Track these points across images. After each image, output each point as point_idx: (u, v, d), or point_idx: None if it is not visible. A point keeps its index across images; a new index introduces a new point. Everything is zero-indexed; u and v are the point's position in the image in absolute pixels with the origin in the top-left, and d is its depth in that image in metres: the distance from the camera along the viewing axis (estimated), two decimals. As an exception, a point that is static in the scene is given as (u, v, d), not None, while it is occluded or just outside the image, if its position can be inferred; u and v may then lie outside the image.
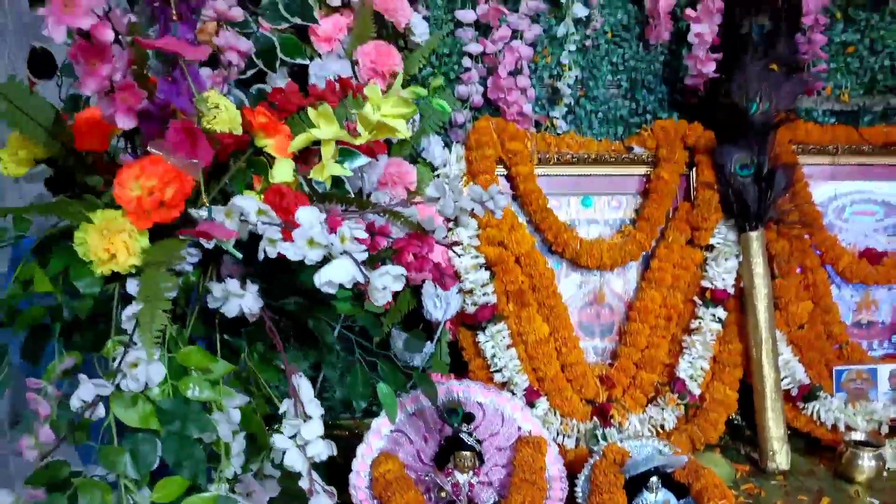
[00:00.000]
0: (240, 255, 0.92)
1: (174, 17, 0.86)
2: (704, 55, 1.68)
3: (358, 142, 1.06)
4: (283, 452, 0.96)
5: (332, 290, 0.87)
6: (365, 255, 0.89)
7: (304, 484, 0.97)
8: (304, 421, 0.94)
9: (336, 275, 0.86)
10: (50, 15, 0.75)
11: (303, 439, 0.96)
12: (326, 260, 0.89)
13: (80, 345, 1.00)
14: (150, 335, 0.88)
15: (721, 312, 1.71)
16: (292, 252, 0.88)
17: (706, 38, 1.66)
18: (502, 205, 1.19)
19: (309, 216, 0.91)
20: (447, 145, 1.67)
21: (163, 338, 0.96)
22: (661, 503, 1.34)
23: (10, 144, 1.04)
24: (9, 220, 1.11)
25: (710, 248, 1.73)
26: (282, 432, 0.97)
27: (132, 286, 1.00)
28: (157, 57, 0.93)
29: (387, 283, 0.87)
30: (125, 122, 0.92)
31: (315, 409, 0.99)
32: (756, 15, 1.71)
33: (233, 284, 1.01)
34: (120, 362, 0.94)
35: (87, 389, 0.93)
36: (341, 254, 0.88)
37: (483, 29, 1.68)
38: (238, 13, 1.25)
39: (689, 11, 1.68)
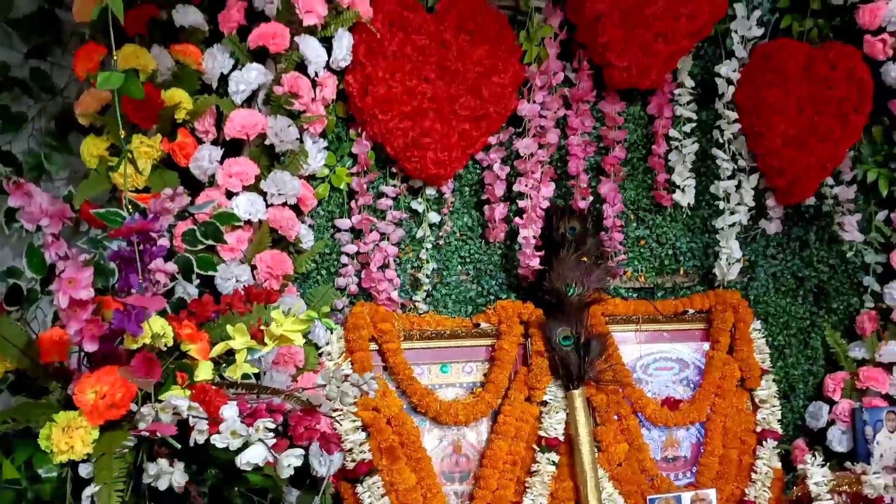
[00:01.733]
0: (178, 446, 1.23)
1: (140, 280, 1.20)
2: (531, 252, 2.15)
3: (265, 350, 1.41)
4: None
5: (249, 469, 1.20)
6: (273, 441, 1.22)
7: None
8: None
9: (253, 457, 1.19)
10: (59, 290, 1.08)
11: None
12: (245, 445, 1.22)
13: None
14: (110, 494, 1.17)
15: (555, 457, 2.11)
16: (220, 441, 1.20)
17: (531, 241, 2.14)
18: (374, 387, 1.56)
19: (231, 413, 1.24)
20: (330, 329, 2.03)
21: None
22: None
23: (-14, 361, 1.32)
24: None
25: (545, 403, 2.15)
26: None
27: (84, 470, 1.29)
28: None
29: (290, 461, 1.20)
30: (90, 347, 1.24)
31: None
32: (569, 220, 2.22)
33: (164, 463, 1.31)
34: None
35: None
36: (257, 441, 1.21)
37: (357, 233, 2.09)
38: (165, 243, 1.59)
39: (517, 219, 2.16)
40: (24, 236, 1.65)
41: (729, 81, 2.34)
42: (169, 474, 1.31)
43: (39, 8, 1.94)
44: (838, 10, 2.39)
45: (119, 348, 1.32)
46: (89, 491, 1.22)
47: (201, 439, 1.26)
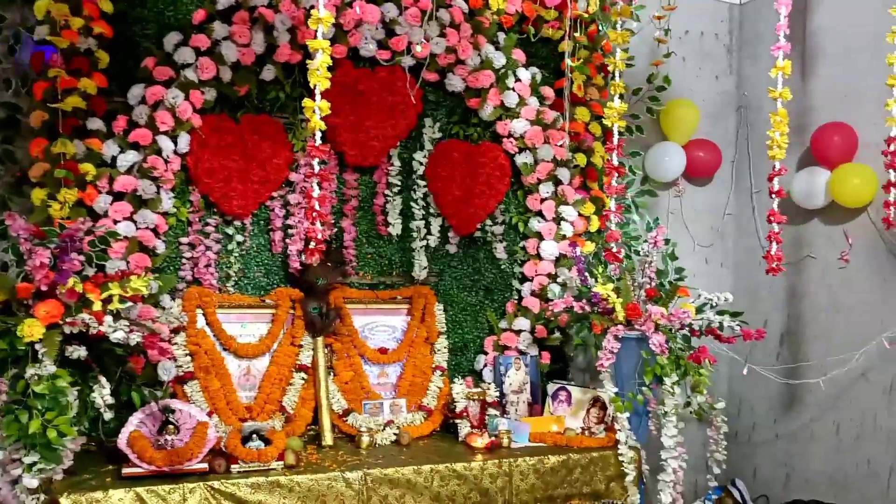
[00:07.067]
0: (88, 331, 2.75)
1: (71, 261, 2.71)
2: (296, 259, 3.74)
3: (128, 296, 2.93)
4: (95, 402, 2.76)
5: (117, 341, 2.73)
6: (129, 330, 2.76)
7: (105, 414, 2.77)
8: (104, 388, 2.76)
9: (119, 336, 2.72)
10: (32, 264, 2.58)
11: (103, 397, 2.77)
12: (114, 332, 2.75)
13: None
14: (51, 356, 2.67)
15: (304, 375, 3.67)
16: (104, 329, 2.73)
17: (295, 253, 3.73)
18: (185, 319, 3.13)
19: (110, 320, 2.77)
20: (174, 299, 3.55)
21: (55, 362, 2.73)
22: (256, 447, 3.20)
23: (-10, 296, 2.80)
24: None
25: (301, 346, 3.71)
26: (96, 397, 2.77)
27: (37, 346, 2.78)
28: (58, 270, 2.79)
29: (135, 339, 2.74)
30: (44, 287, 2.74)
31: (107, 392, 2.80)
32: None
33: (75, 346, 2.82)
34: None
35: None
36: (119, 330, 2.74)
37: (192, 245, 3.63)
38: (80, 245, 3.09)
39: (289, 240, 3.75)
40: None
41: (420, 163, 4.02)
42: (79, 350, 2.82)
43: (7, 115, 3.42)
44: (488, 123, 4.11)
45: (56, 290, 2.83)
46: (41, 352, 2.71)
47: (94, 331, 2.78)
